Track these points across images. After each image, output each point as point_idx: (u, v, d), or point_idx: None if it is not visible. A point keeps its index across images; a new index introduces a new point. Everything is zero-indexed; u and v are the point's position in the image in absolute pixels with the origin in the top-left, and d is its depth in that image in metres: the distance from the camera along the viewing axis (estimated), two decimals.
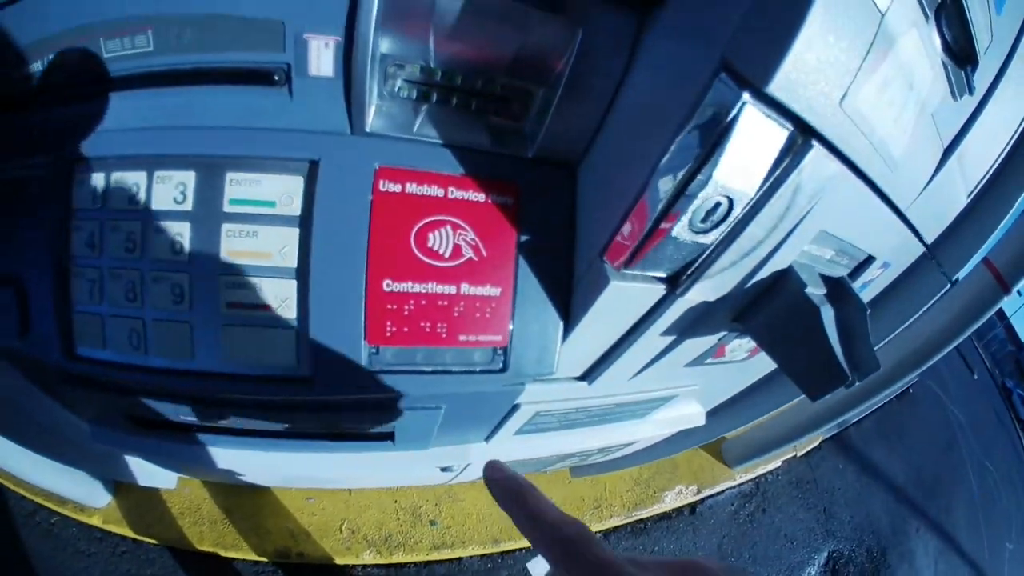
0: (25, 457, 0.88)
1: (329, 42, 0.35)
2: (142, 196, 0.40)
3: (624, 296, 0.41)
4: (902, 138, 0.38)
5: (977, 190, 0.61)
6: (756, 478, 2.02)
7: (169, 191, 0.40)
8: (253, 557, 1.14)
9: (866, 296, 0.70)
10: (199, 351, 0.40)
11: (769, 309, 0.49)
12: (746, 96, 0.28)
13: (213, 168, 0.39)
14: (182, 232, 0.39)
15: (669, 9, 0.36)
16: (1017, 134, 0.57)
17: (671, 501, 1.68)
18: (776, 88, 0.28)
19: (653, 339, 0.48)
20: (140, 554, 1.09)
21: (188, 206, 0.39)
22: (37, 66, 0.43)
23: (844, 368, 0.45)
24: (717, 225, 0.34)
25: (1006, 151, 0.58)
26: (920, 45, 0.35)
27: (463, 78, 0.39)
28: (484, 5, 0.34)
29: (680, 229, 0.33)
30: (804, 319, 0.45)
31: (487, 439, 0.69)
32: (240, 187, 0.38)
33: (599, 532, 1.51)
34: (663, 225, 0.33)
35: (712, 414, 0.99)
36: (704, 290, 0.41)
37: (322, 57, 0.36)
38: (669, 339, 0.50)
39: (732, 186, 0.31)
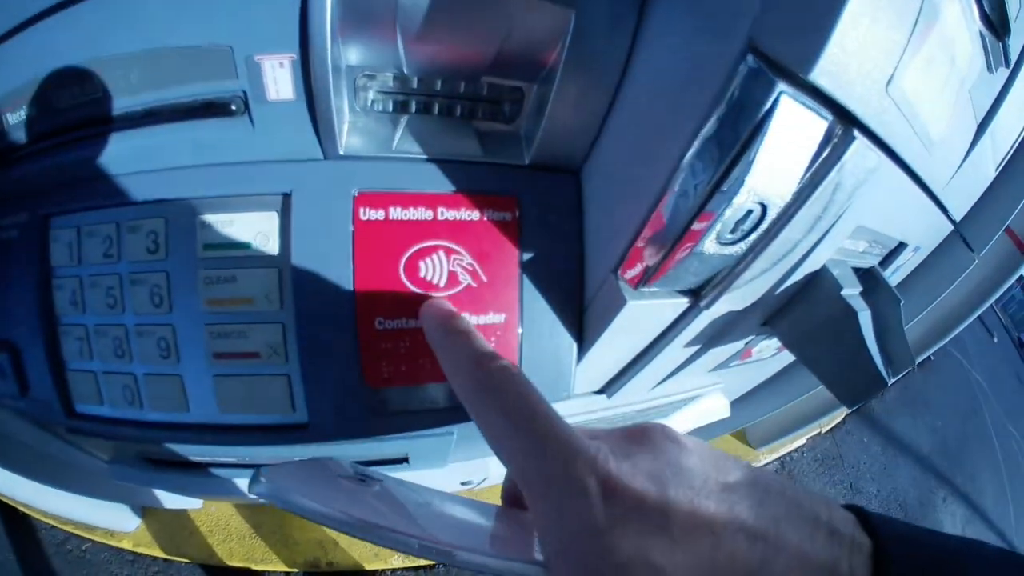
0: (50, 493, 0.90)
1: (284, 61, 0.31)
2: (115, 250, 0.38)
3: (643, 314, 0.37)
4: (942, 119, 0.34)
5: (1004, 163, 0.58)
6: (780, 457, 1.99)
7: (141, 241, 0.37)
8: (284, 569, 1.16)
9: (894, 281, 0.67)
10: (193, 404, 0.38)
11: (801, 313, 0.44)
12: (782, 86, 0.23)
13: (182, 212, 0.35)
14: (160, 284, 0.36)
15: None
16: None
17: None
18: (820, 75, 0.23)
19: (676, 351, 0.44)
20: (172, 573, 1.11)
21: (162, 255, 0.36)
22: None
23: (883, 373, 0.41)
24: (748, 234, 0.30)
25: None
26: (961, 16, 0.32)
27: (443, 82, 0.34)
28: None
29: (706, 245, 0.29)
30: (840, 324, 0.41)
31: None
32: (211, 230, 0.35)
33: None
34: (684, 240, 0.29)
35: (737, 403, 0.96)
36: (732, 301, 0.37)
37: (279, 79, 0.31)
38: (693, 350, 0.46)
39: (767, 192, 0.27)
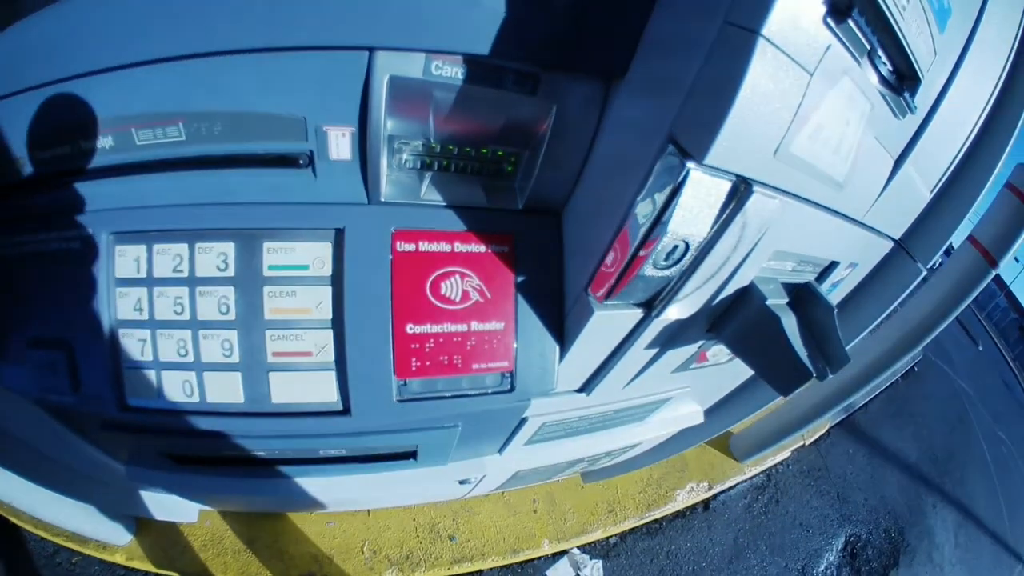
0: (48, 500, 0.91)
1: (346, 132, 0.43)
2: (186, 266, 0.47)
3: (608, 321, 0.48)
4: (843, 166, 0.44)
5: (940, 184, 0.64)
6: (767, 470, 2.05)
7: (212, 260, 0.47)
8: None
9: (841, 291, 0.77)
10: (247, 394, 0.47)
11: (736, 320, 0.56)
12: (690, 165, 0.36)
13: (251, 239, 0.46)
14: (227, 295, 0.46)
15: (630, 79, 0.43)
16: (975, 129, 0.60)
17: (683, 499, 1.72)
18: (712, 159, 0.35)
19: (639, 353, 0.56)
20: None
21: (231, 272, 0.46)
22: (66, 149, 0.48)
23: (807, 366, 0.50)
24: (678, 262, 0.42)
25: (967, 145, 0.61)
26: (854, 87, 0.39)
27: (459, 149, 0.46)
28: (472, 94, 0.42)
29: (647, 269, 0.41)
30: (767, 327, 0.52)
31: (500, 451, 0.75)
32: (276, 255, 0.45)
33: (615, 535, 1.54)
34: (633, 266, 0.41)
35: (712, 411, 1.06)
36: (676, 311, 0.49)
37: (340, 144, 0.43)
38: (653, 351, 0.57)
39: (686, 232, 0.39)
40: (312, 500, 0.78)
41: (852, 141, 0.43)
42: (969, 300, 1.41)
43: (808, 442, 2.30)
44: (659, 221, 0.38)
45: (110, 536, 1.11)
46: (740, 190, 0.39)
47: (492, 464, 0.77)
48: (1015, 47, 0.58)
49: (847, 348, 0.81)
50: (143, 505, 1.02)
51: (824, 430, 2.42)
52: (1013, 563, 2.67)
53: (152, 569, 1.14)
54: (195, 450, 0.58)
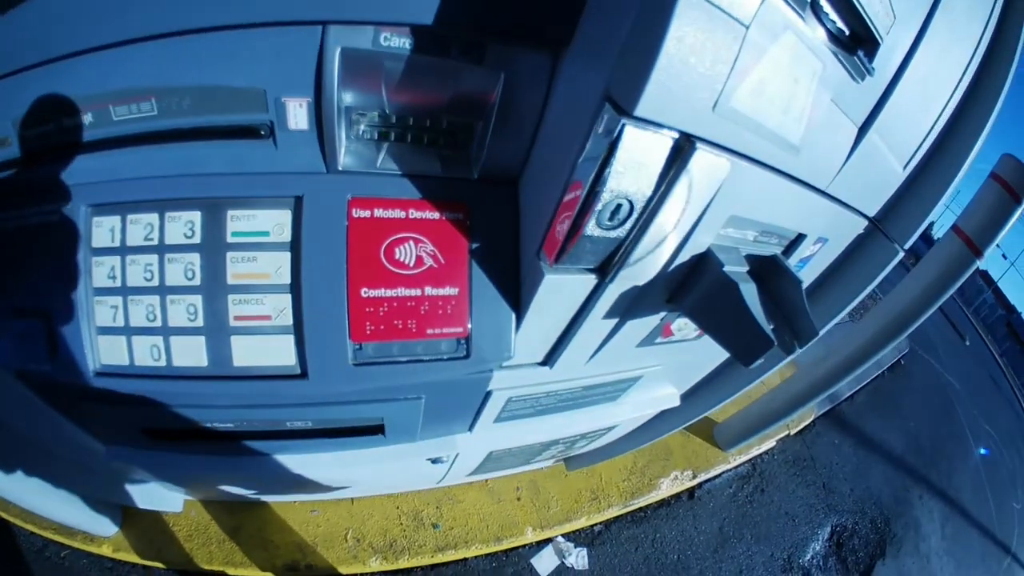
0: (34, 488, 0.92)
1: (303, 103, 0.44)
2: (156, 234, 0.49)
3: (562, 287, 0.50)
4: (797, 126, 0.43)
5: (915, 161, 0.63)
6: (751, 459, 2.06)
7: (180, 228, 0.48)
8: (262, 573, 1.18)
9: (814, 269, 0.77)
10: (210, 357, 0.48)
11: (696, 289, 0.57)
12: (625, 120, 0.37)
13: (216, 207, 0.48)
14: (193, 261, 0.47)
15: (574, 46, 0.45)
16: (949, 106, 0.58)
17: (667, 488, 1.73)
18: (643, 111, 0.36)
19: (597, 323, 0.57)
20: None
21: (197, 240, 0.48)
22: (49, 127, 0.50)
23: (767, 333, 0.50)
24: (624, 222, 0.44)
25: (941, 122, 0.59)
26: (797, 43, 0.39)
27: (413, 119, 0.48)
28: (420, 63, 0.44)
29: (592, 228, 0.42)
30: (726, 295, 0.52)
31: (470, 428, 0.76)
32: (239, 222, 0.47)
33: (599, 523, 1.55)
34: (579, 225, 0.42)
35: (689, 395, 1.07)
36: (630, 276, 0.50)
37: (298, 114, 0.45)
38: (612, 322, 0.59)
39: (626, 190, 0.41)
40: (289, 479, 0.79)
41: (804, 101, 0.43)
42: (953, 289, 1.42)
43: (793, 432, 2.31)
44: (599, 177, 0.40)
45: (96, 528, 1.12)
46: (683, 147, 0.40)
47: (464, 443, 0.78)
48: (990, 25, 0.57)
49: (825, 328, 0.83)
50: (127, 493, 1.03)
51: (809, 420, 2.43)
52: (1001, 554, 2.67)
53: (139, 560, 1.15)
54: (165, 420, 0.59)
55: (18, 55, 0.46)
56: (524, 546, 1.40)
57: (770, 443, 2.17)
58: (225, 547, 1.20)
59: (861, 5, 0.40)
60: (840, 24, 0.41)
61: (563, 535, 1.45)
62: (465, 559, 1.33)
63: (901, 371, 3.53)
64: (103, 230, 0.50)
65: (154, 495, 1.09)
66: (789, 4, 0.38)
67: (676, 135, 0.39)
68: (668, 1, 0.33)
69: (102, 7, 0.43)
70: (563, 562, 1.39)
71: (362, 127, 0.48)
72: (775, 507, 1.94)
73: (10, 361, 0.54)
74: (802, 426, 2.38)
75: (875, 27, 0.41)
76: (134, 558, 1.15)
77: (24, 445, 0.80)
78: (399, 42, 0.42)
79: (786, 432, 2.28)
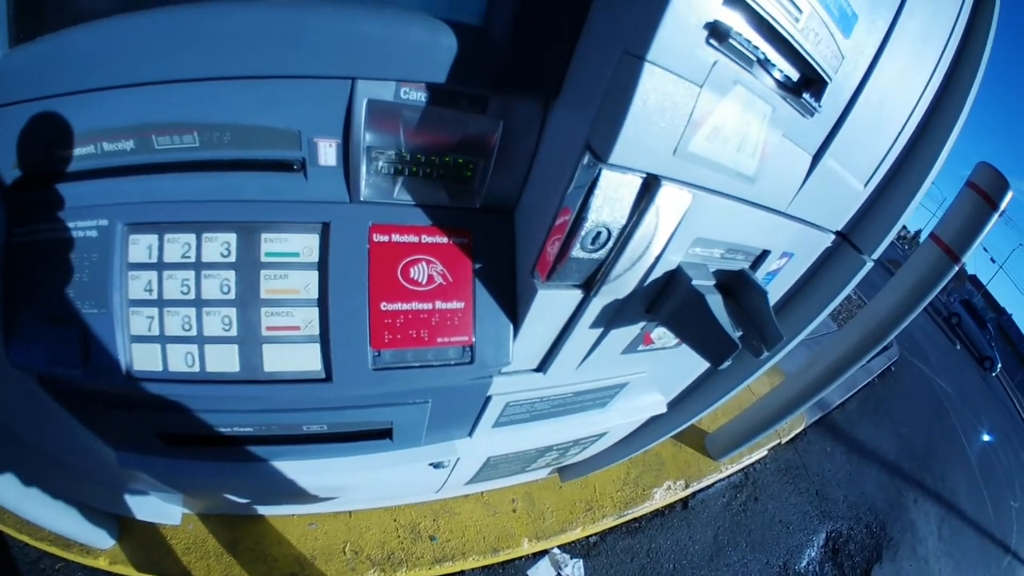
0: (33, 497, 0.92)
1: (332, 143, 0.52)
2: (193, 252, 0.55)
3: (553, 301, 0.57)
4: (751, 161, 0.51)
5: (877, 177, 0.67)
6: (744, 468, 2.09)
7: (216, 248, 0.55)
8: None
9: (784, 280, 0.84)
10: (243, 363, 0.54)
11: (669, 301, 0.65)
12: (602, 165, 0.46)
13: (250, 230, 0.54)
14: (229, 278, 0.54)
15: (561, 99, 0.54)
16: (915, 117, 0.63)
17: (661, 498, 1.76)
18: (616, 160, 0.45)
19: (584, 332, 0.64)
20: None
21: (233, 258, 0.54)
22: (89, 148, 0.55)
23: (732, 337, 0.57)
24: (604, 245, 0.52)
25: (902, 139, 0.64)
26: (749, 94, 0.45)
27: (425, 157, 0.56)
28: (433, 113, 0.52)
29: (577, 251, 0.50)
30: (695, 305, 0.60)
31: (470, 433, 0.82)
32: (273, 244, 0.54)
33: (594, 534, 1.57)
34: (566, 248, 0.50)
35: (675, 403, 1.13)
36: (611, 291, 0.58)
37: (328, 152, 0.53)
38: (598, 331, 0.66)
39: (605, 220, 0.49)
40: (294, 487, 0.83)
41: (757, 139, 0.49)
42: (932, 295, 1.49)
43: (784, 440, 2.35)
44: (583, 210, 0.48)
45: (93, 539, 1.12)
46: (651, 184, 0.49)
47: (464, 447, 0.84)
48: (948, 48, 0.61)
49: (800, 337, 0.90)
50: (126, 504, 1.04)
51: (800, 428, 2.46)
52: (1000, 554, 2.69)
53: (135, 573, 1.15)
54: (190, 424, 0.64)
55: (74, 77, 0.49)
56: (520, 558, 1.43)
57: (762, 452, 2.21)
58: (223, 560, 1.21)
59: (809, 55, 0.46)
60: (788, 71, 0.48)
61: (559, 546, 1.48)
62: (462, 571, 1.35)
63: (892, 377, 3.59)
64: (140, 247, 0.55)
65: (153, 507, 1.10)
66: (738, 63, 0.45)
67: (644, 175, 0.48)
68: (634, 72, 0.42)
69: (159, 44, 0.47)
70: (559, 573, 1.42)
71: (381, 163, 0.56)
72: (769, 515, 1.97)
73: (38, 365, 0.58)
74: (793, 434, 2.41)
75: (823, 70, 0.47)
76: (131, 571, 1.15)
77: (25, 453, 0.81)
78: (416, 95, 0.50)
79: (777, 441, 2.31)
